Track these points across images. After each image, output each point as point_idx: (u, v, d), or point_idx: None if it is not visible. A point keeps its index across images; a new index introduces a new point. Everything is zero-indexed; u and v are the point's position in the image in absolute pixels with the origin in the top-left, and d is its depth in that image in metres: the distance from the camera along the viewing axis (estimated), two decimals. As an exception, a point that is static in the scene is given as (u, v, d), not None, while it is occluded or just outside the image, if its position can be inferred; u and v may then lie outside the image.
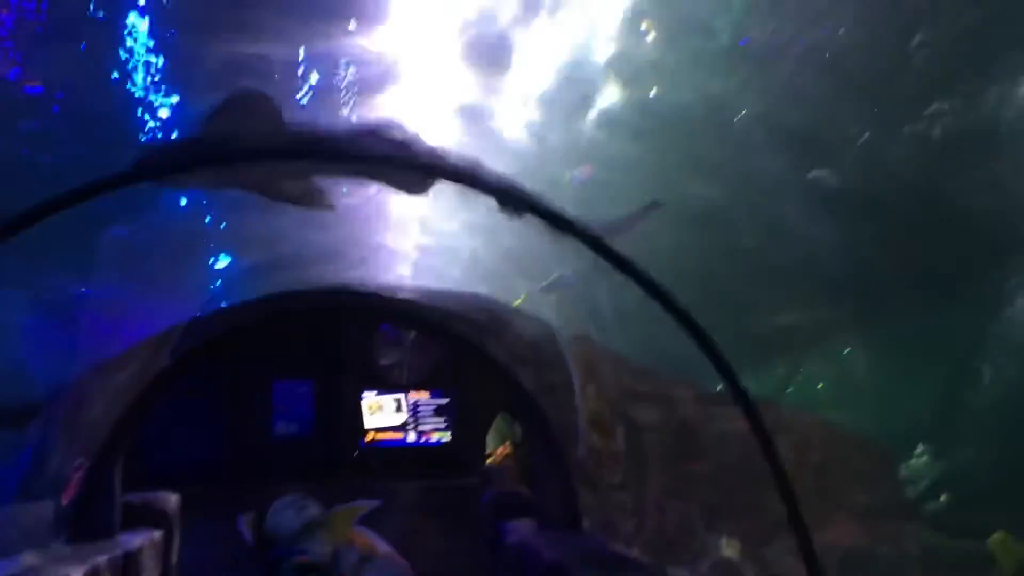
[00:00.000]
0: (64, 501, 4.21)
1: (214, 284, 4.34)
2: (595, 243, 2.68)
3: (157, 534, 4.92)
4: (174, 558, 5.17)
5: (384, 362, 9.52)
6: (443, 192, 3.27)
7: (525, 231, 3.83)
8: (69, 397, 3.97)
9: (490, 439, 9.89)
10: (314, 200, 2.92)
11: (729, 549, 3.27)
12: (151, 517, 4.96)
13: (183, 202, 3.43)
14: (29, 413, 3.59)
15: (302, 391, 9.40)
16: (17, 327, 3.53)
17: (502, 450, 9.50)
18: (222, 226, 3.74)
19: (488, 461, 9.49)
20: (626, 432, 4.24)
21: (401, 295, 4.93)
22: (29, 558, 3.80)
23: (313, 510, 6.46)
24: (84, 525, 4.38)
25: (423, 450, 9.50)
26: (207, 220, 3.62)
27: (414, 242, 4.37)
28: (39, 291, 3.55)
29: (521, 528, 5.12)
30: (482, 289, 4.69)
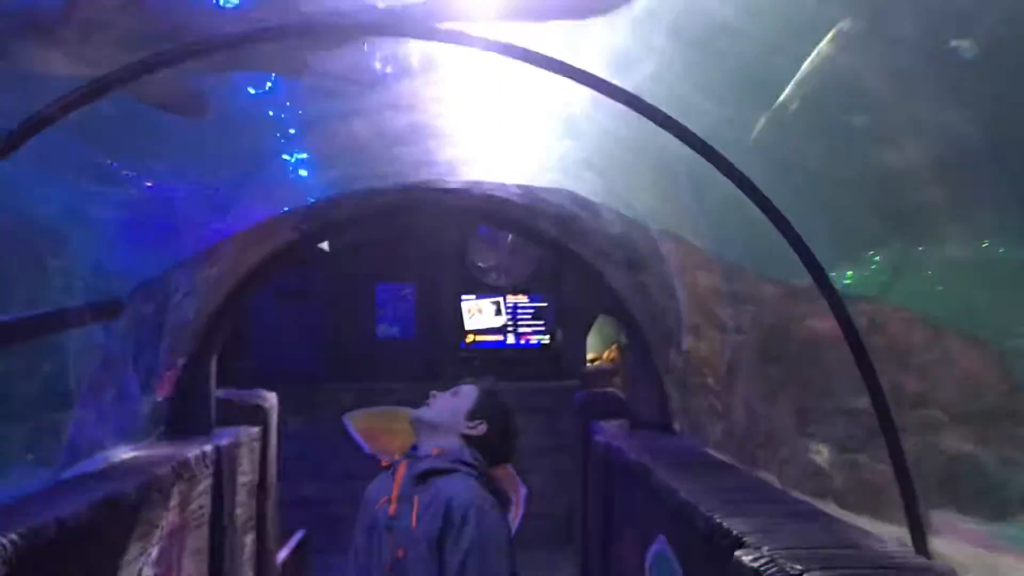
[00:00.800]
0: (159, 397, 4.34)
1: (295, 179, 4.29)
2: (685, 134, 2.46)
3: (254, 430, 5.05)
4: (271, 454, 5.32)
5: (483, 265, 9.49)
6: (532, 86, 3.10)
7: (612, 127, 3.62)
8: (157, 294, 4.03)
9: (591, 341, 9.82)
10: (188, 107, 2.74)
11: (819, 455, 3.07)
12: (248, 414, 5.09)
13: (251, 91, 3.32)
14: (115, 309, 3.65)
15: (404, 294, 9.51)
16: (102, 223, 3.56)
17: (608, 353, 9.43)
18: (294, 118, 3.64)
19: (591, 363, 9.44)
20: (715, 333, 4.04)
21: (487, 192, 4.79)
22: (125, 451, 3.95)
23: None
24: (179, 421, 4.53)
25: (523, 352, 9.53)
26: (275, 112, 3.51)
27: (500, 137, 4.19)
28: (124, 187, 3.55)
29: (610, 428, 5.03)
30: (570, 186, 4.50)
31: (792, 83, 2.64)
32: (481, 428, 2.83)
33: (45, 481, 3.24)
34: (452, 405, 2.88)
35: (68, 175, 3.32)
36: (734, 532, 2.51)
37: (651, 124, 2.56)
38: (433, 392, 2.94)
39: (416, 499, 2.62)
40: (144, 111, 3.16)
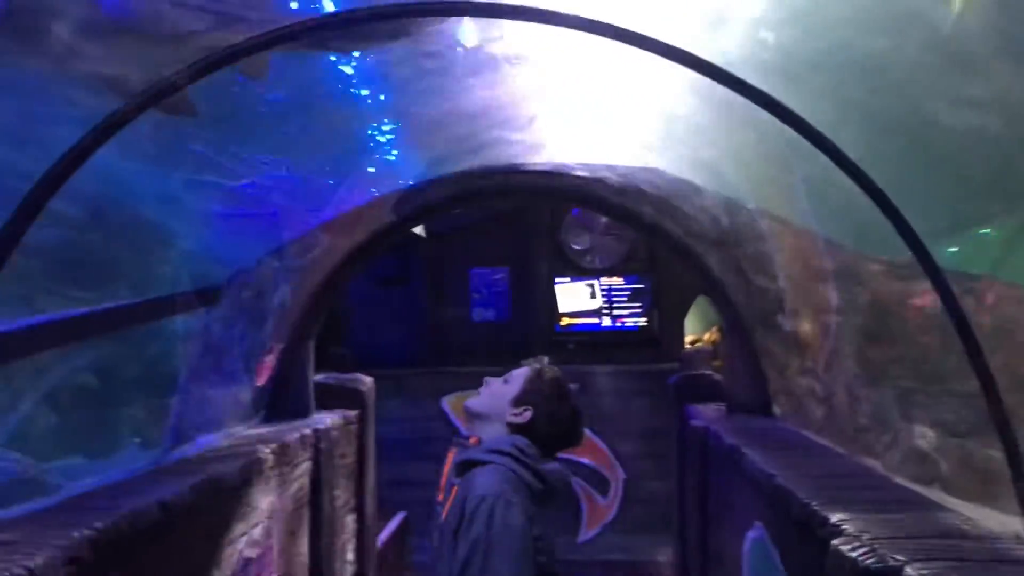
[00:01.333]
0: (259, 382, 4.46)
1: (388, 163, 4.32)
2: (776, 107, 2.36)
3: (351, 413, 5.15)
4: (369, 437, 5.41)
5: (577, 247, 9.44)
6: (626, 65, 3.04)
7: (708, 104, 3.52)
8: (255, 281, 4.13)
9: (689, 323, 9.66)
10: (178, 106, 2.71)
11: (924, 439, 2.93)
12: (345, 397, 5.19)
13: (345, 72, 3.34)
14: (214, 296, 3.76)
15: (498, 278, 9.55)
16: (202, 213, 3.66)
17: (709, 335, 9.26)
18: (386, 100, 3.66)
19: (690, 345, 9.29)
20: (815, 313, 3.90)
21: (579, 173, 4.74)
22: (227, 435, 4.08)
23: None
24: (279, 405, 4.65)
25: (619, 334, 9.44)
26: (365, 94, 3.53)
27: (593, 118, 4.13)
28: (223, 176, 3.64)
29: (707, 412, 4.94)
30: (665, 165, 4.40)
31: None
32: (526, 415, 2.69)
33: (150, 463, 3.36)
34: (500, 392, 2.76)
35: (169, 167, 3.43)
36: (832, 520, 2.41)
37: (745, 100, 2.47)
38: (486, 378, 2.84)
39: (455, 489, 2.57)
40: (240, 102, 3.23)
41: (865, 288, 3.32)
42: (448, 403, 8.82)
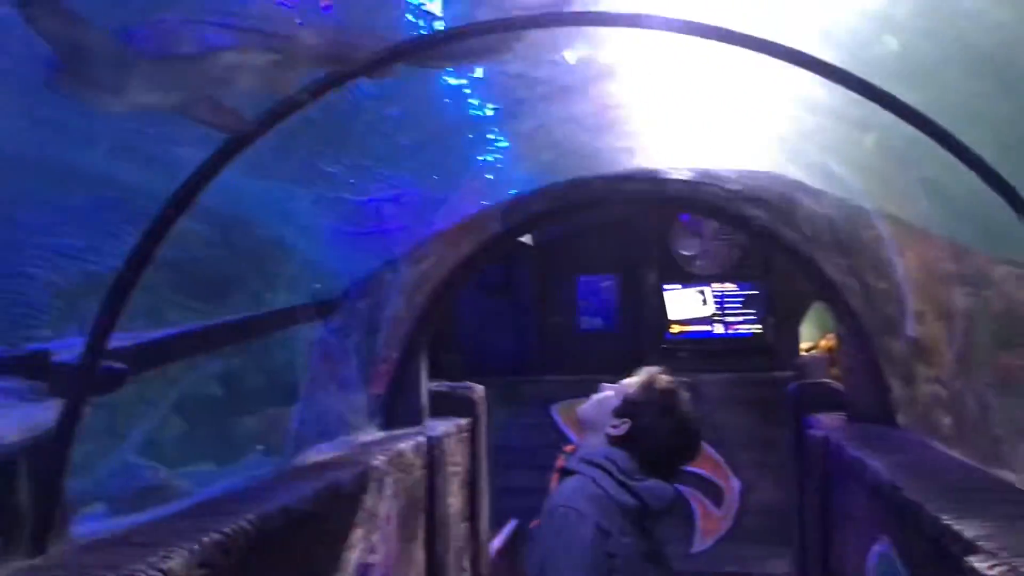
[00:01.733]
0: (375, 390, 4.56)
1: (496, 173, 4.37)
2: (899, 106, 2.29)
3: (463, 422, 5.21)
4: (480, 445, 5.46)
5: (686, 254, 9.31)
6: (737, 67, 2.99)
7: (823, 104, 3.42)
8: (370, 291, 4.24)
9: (805, 330, 9.39)
10: (228, 122, 2.73)
11: (1066, 451, 2.77)
12: (457, 406, 5.26)
13: (453, 84, 3.40)
14: (331, 307, 3.88)
15: (606, 286, 9.50)
16: (320, 227, 3.79)
17: (825, 342, 8.98)
18: (495, 111, 3.71)
19: (805, 353, 9.03)
20: (940, 318, 3.74)
21: (687, 179, 4.67)
22: (346, 442, 4.18)
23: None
24: (394, 413, 4.73)
25: (732, 342, 9.25)
26: (475, 106, 3.58)
27: (701, 123, 4.08)
28: (338, 190, 3.76)
29: (826, 422, 4.78)
30: (780, 169, 4.30)
31: None
32: (623, 428, 2.61)
33: (273, 470, 3.48)
34: (606, 401, 2.69)
35: (289, 183, 3.56)
36: (966, 535, 2.29)
37: (859, 98, 2.39)
38: (601, 384, 2.76)
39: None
40: (357, 117, 3.33)
41: (995, 292, 3.16)
42: (557, 411, 8.82)
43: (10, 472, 2.12)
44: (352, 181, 3.83)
